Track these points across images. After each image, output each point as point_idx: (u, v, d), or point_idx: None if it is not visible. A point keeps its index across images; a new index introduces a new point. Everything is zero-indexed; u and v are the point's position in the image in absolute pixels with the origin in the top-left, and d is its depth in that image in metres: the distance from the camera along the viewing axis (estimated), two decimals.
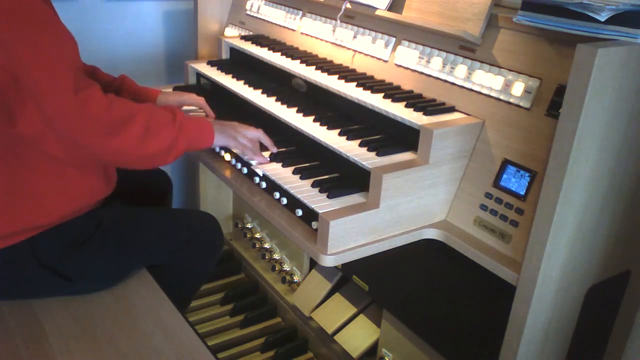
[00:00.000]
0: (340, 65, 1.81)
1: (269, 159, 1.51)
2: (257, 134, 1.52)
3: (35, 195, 1.36)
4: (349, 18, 1.83)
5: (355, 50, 1.80)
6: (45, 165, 1.36)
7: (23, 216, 1.36)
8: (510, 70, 1.35)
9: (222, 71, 2.03)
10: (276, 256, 2.33)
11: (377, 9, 1.63)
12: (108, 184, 1.51)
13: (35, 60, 1.19)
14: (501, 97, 1.36)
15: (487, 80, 1.39)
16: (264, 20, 2.23)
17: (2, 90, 1.23)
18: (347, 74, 1.69)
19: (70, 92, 1.20)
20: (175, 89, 2.05)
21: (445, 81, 1.50)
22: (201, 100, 1.82)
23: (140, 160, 1.36)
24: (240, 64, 2.12)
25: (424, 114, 1.42)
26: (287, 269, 2.27)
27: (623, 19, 1.12)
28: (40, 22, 1.22)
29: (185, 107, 1.82)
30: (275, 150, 1.54)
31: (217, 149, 1.67)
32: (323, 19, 1.94)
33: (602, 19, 1.13)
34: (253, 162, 1.50)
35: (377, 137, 1.49)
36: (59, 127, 1.24)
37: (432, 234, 1.38)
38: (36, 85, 1.20)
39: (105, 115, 1.25)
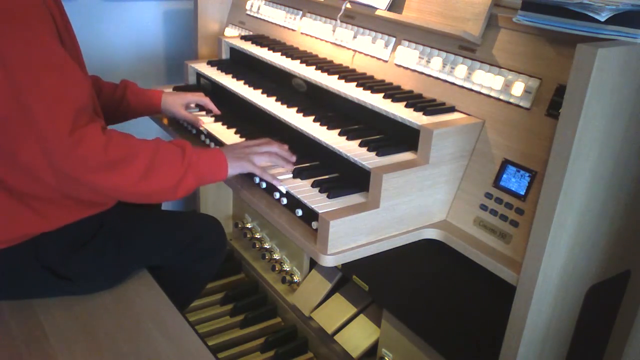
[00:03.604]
0: (340, 65, 1.81)
1: (291, 174, 1.44)
2: (271, 148, 1.47)
3: (38, 207, 1.36)
4: (349, 18, 1.83)
5: (355, 50, 1.80)
6: None
7: (25, 225, 1.36)
8: (510, 70, 1.35)
9: (222, 71, 2.03)
10: (276, 256, 2.33)
11: (377, 9, 1.63)
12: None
13: (38, 98, 1.19)
14: (501, 97, 1.36)
15: (487, 80, 1.39)
16: (264, 20, 2.23)
17: (7, 118, 1.22)
18: (347, 74, 1.69)
19: (66, 132, 1.20)
20: (176, 89, 2.05)
21: (445, 81, 1.50)
22: (206, 98, 1.82)
23: (141, 197, 1.35)
24: (240, 64, 2.12)
25: (424, 114, 1.42)
26: (287, 269, 2.27)
27: (623, 19, 1.12)
28: (50, 61, 1.22)
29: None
30: (294, 159, 1.48)
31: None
32: (323, 19, 1.94)
33: (602, 19, 1.13)
34: (279, 180, 1.40)
35: (377, 137, 1.49)
36: (55, 162, 1.24)
37: (432, 234, 1.38)
38: (35, 122, 1.20)
39: (99, 154, 1.23)
